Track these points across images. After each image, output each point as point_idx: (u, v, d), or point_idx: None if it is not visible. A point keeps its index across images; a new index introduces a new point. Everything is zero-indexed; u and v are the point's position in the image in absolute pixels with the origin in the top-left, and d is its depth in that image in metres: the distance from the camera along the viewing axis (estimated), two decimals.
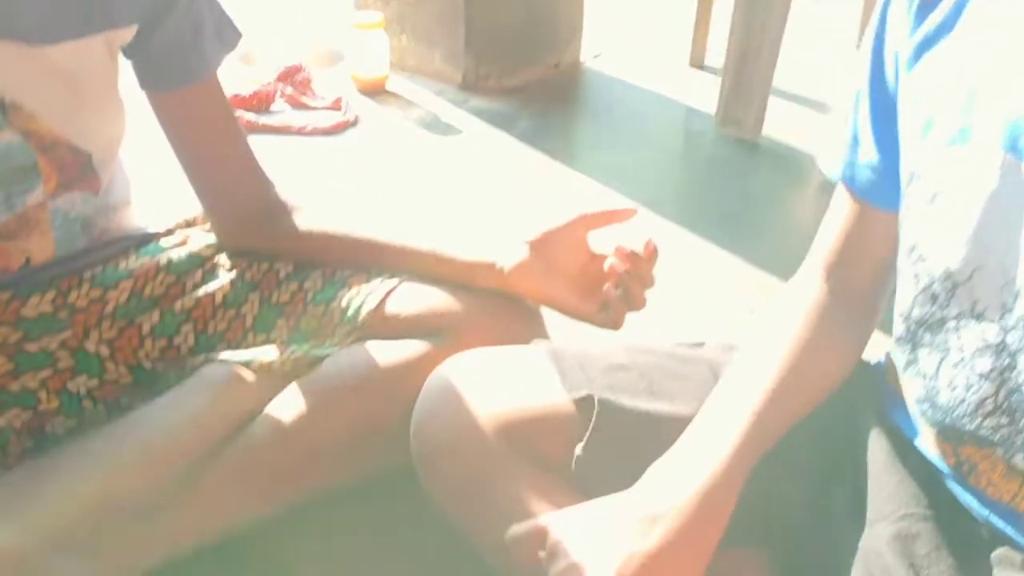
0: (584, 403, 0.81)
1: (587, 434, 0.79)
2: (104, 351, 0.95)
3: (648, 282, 0.98)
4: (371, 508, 1.00)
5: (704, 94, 2.44)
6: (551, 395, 0.84)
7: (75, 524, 0.79)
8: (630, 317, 1.00)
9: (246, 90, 2.23)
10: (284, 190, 1.07)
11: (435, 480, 0.86)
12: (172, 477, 0.87)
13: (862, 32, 2.35)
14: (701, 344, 0.91)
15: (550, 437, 0.82)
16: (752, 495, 0.71)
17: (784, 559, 0.77)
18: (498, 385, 0.86)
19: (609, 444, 0.79)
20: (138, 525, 0.85)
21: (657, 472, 0.70)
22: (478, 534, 0.84)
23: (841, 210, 0.80)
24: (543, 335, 1.02)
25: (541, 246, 0.98)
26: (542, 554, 0.69)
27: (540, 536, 0.69)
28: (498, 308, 1.00)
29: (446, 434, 0.84)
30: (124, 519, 0.83)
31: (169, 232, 1.08)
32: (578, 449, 0.80)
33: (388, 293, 1.00)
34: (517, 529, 0.71)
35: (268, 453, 0.91)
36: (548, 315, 1.04)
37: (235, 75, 2.26)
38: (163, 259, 1.02)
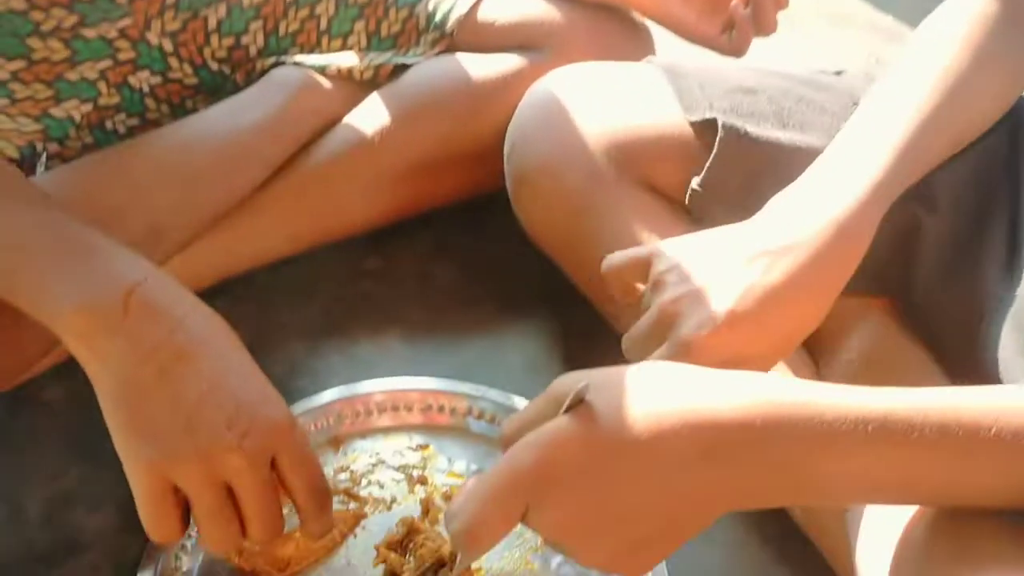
0: (705, 128, 0.71)
1: (707, 163, 0.69)
2: (167, 45, 0.86)
3: (782, 1, 0.85)
4: (455, 233, 0.93)
5: None
6: (666, 115, 0.73)
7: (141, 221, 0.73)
8: (754, 45, 0.87)
9: None
10: None
11: (530, 204, 0.78)
12: (244, 184, 0.80)
13: None
14: (841, 72, 0.79)
15: (663, 161, 0.72)
16: (890, 230, 0.61)
17: (916, 305, 0.68)
18: (607, 100, 0.75)
19: (730, 176, 0.69)
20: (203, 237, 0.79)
21: (783, 201, 0.60)
22: (574, 265, 0.77)
23: None
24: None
25: None
26: (642, 287, 0.61)
27: (642, 266, 0.61)
28: (604, 22, 0.89)
29: (546, 152, 0.75)
30: (190, 229, 0.77)
31: None
32: (694, 183, 0.70)
33: None
34: (616, 258, 0.63)
35: (346, 167, 0.84)
36: (658, 36, 0.92)
37: None
38: None
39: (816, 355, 0.71)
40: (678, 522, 0.44)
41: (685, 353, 0.55)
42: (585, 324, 0.83)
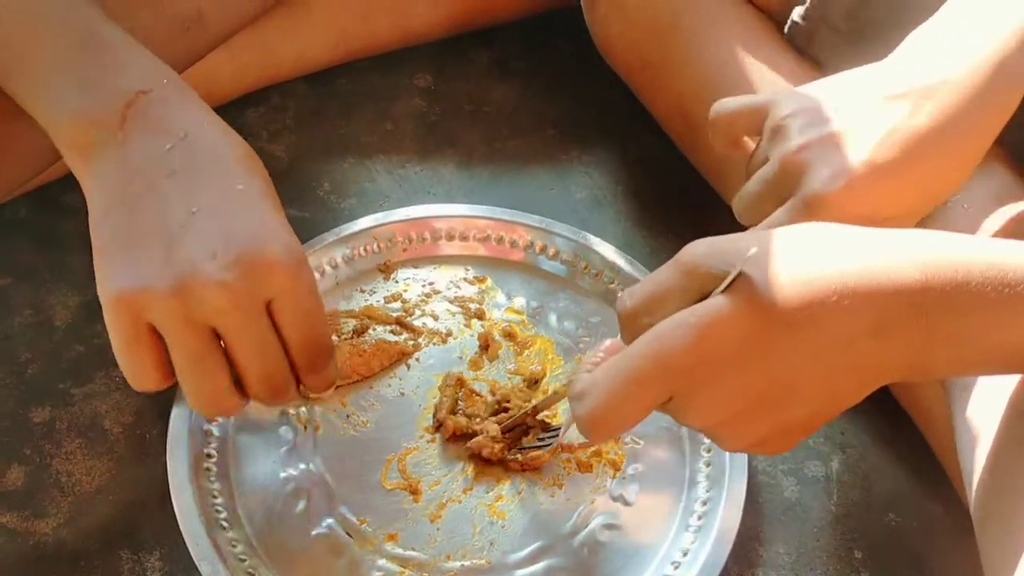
0: None
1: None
2: None
3: None
4: (515, 54, 0.85)
5: None
6: None
7: None
8: None
9: None
10: None
11: (608, 19, 0.70)
12: None
13: None
14: None
15: None
16: None
17: None
18: None
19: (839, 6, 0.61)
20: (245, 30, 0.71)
21: (927, 33, 0.51)
22: (655, 91, 0.70)
23: None
24: None
25: None
26: (749, 142, 0.54)
27: (758, 115, 0.52)
28: None
29: None
30: (233, 19, 0.68)
31: None
32: (796, 14, 0.62)
33: None
34: (727, 104, 0.54)
35: None
36: None
37: None
38: None
39: None
40: (835, 401, 0.39)
41: (812, 212, 0.47)
42: (657, 156, 0.76)
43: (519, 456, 0.56)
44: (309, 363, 0.48)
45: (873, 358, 0.37)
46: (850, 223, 0.46)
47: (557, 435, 0.56)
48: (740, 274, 0.37)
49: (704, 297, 0.38)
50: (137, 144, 0.45)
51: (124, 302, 0.43)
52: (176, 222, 0.44)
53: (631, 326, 0.40)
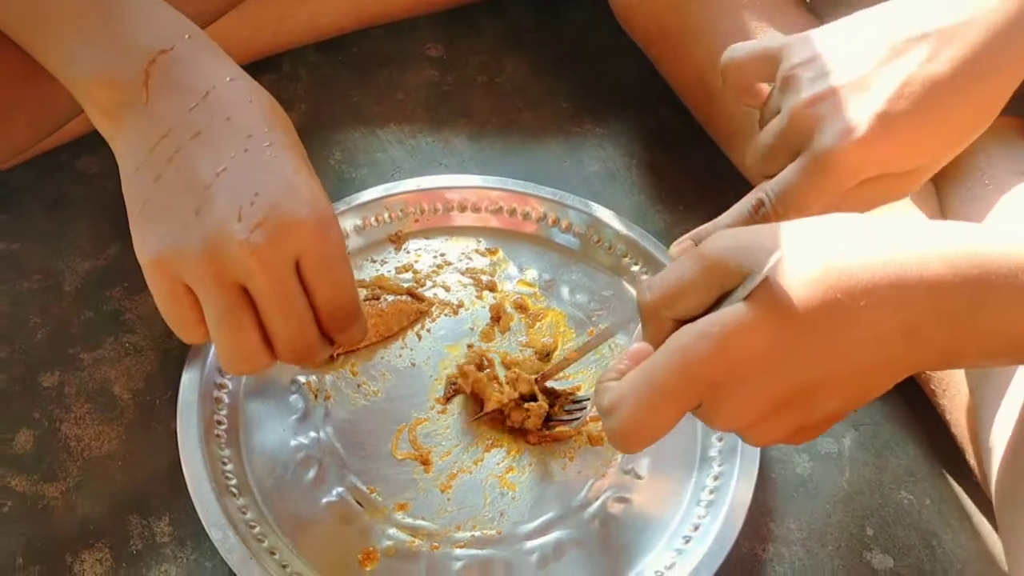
0: None
1: None
2: None
3: None
4: (528, 23, 0.84)
5: None
6: None
7: None
8: None
9: None
10: None
11: None
12: None
13: None
14: None
15: None
16: None
17: None
18: None
19: None
20: None
21: None
22: (674, 61, 0.69)
23: None
24: None
25: None
26: (767, 87, 0.52)
27: (770, 61, 0.50)
28: None
29: None
30: None
31: None
32: None
33: None
34: (739, 49, 0.52)
35: None
36: None
37: None
38: None
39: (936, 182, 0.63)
40: (863, 394, 0.38)
41: (825, 168, 0.45)
42: (671, 129, 0.76)
43: (545, 430, 0.56)
44: (336, 323, 0.48)
45: (903, 355, 0.36)
46: (865, 177, 0.45)
47: (585, 408, 0.56)
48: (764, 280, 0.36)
49: (726, 292, 0.38)
50: (161, 105, 0.45)
51: (160, 264, 0.44)
52: (203, 183, 0.44)
53: (652, 319, 0.40)
